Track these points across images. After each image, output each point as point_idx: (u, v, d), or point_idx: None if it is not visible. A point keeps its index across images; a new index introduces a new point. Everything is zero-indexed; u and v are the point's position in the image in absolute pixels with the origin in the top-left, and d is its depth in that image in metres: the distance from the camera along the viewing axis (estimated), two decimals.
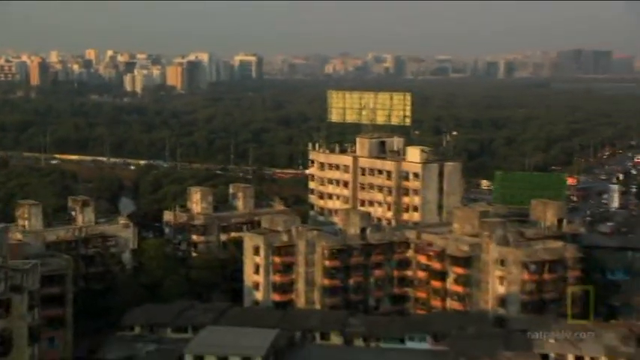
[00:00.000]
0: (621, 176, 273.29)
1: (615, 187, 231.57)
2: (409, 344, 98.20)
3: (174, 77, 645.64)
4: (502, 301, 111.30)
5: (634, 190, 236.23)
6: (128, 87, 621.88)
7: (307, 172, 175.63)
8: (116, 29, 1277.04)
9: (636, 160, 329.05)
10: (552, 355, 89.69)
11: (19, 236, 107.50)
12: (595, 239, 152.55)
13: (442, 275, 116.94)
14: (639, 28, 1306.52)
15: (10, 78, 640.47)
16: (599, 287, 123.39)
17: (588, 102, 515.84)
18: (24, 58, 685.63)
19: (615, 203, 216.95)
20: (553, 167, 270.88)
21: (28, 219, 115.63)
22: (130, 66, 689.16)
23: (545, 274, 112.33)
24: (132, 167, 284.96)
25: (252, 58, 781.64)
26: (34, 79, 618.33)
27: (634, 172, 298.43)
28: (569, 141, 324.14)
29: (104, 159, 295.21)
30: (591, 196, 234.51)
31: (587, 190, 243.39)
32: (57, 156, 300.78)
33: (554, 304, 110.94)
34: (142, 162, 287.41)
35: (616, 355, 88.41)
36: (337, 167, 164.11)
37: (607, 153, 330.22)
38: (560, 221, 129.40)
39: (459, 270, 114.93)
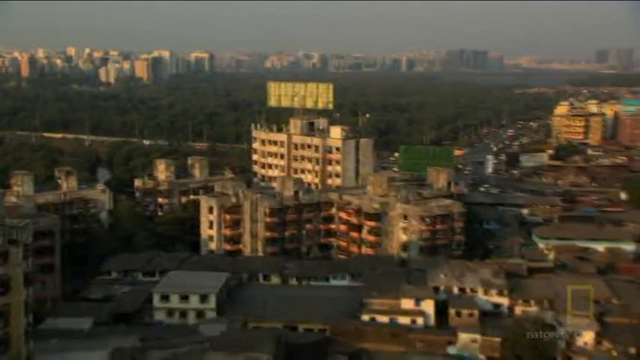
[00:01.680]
0: (495, 148, 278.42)
1: (490, 156, 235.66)
2: (333, 282, 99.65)
3: (141, 70, 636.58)
4: (404, 246, 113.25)
5: (504, 158, 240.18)
6: (103, 78, 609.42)
7: (251, 146, 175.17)
8: (93, 29, 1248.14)
9: (509, 133, 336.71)
10: (442, 287, 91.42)
11: (14, 200, 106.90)
12: (475, 197, 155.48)
13: (358, 228, 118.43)
14: (509, 33, 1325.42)
15: (3, 71, 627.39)
16: (478, 234, 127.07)
17: (469, 91, 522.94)
18: (15, 54, 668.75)
19: (490, 169, 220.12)
20: (444, 142, 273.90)
21: (22, 186, 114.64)
22: (104, 61, 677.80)
23: (438, 225, 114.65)
24: (105, 143, 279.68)
25: (205, 55, 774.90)
26: (24, 72, 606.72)
27: (507, 142, 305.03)
28: (456, 121, 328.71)
29: (84, 137, 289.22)
30: (474, 164, 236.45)
31: (469, 159, 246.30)
32: (44, 134, 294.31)
33: (444, 248, 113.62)
34: (115, 139, 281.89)
35: (489, 286, 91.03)
36: (275, 143, 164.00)
37: (484, 131, 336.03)
38: (449, 184, 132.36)
39: (371, 223, 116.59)
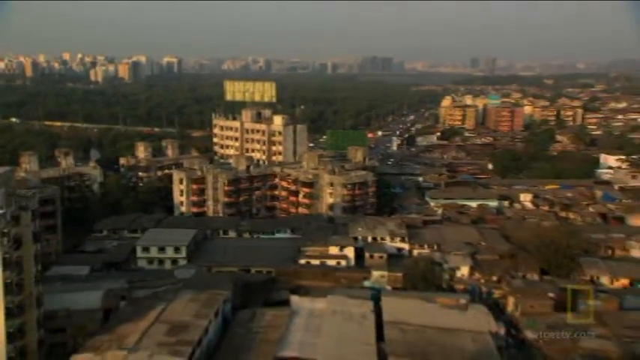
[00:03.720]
0: (398, 132, 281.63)
1: (394, 138, 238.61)
2: (277, 235, 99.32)
3: (123, 71, 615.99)
4: (331, 207, 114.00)
5: (405, 139, 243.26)
6: (93, 78, 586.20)
7: (212, 131, 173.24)
8: (84, 38, 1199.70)
9: (411, 118, 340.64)
10: (359, 237, 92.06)
11: (22, 174, 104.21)
12: (383, 169, 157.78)
13: (296, 193, 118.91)
14: (407, 42, 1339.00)
15: (11, 72, 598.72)
16: (386, 197, 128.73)
17: (379, 88, 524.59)
18: (20, 58, 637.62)
19: (394, 147, 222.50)
20: (360, 127, 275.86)
21: (28, 164, 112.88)
22: (93, 64, 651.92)
23: (356, 190, 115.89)
24: (95, 130, 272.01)
25: (175, 59, 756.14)
26: (28, 73, 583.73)
27: (407, 127, 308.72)
28: (369, 111, 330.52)
29: (79, 124, 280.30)
30: (382, 143, 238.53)
31: (379, 140, 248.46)
32: (46, 123, 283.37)
33: (361, 208, 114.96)
34: (103, 126, 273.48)
35: (394, 235, 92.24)
36: (231, 129, 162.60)
37: (390, 118, 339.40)
38: (364, 159, 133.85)
39: (306, 189, 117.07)
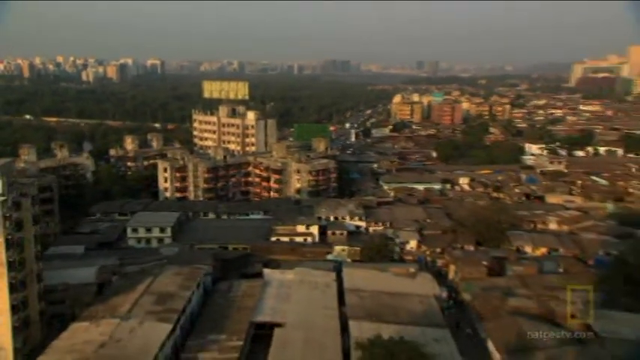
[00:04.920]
0: (356, 125, 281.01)
1: (352, 130, 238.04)
2: (251, 216, 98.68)
3: (112, 73, 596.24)
4: (298, 191, 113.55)
5: (361, 131, 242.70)
6: (84, 78, 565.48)
7: (192, 125, 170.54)
8: (77, 41, 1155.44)
9: (367, 113, 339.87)
10: (323, 217, 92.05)
11: (22, 165, 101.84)
12: (344, 157, 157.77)
13: (267, 179, 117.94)
14: (364, 47, 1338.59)
15: (10, 73, 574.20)
16: (346, 181, 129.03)
17: (339, 87, 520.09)
18: (18, 60, 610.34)
19: (353, 139, 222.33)
20: (323, 121, 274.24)
21: (28, 155, 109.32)
22: (84, 66, 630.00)
23: (320, 176, 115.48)
24: (86, 124, 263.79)
25: (158, 62, 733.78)
26: (25, 74, 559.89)
27: (363, 120, 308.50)
28: (331, 107, 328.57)
29: (72, 120, 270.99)
30: (342, 135, 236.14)
31: (339, 132, 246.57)
32: (42, 118, 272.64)
33: (324, 191, 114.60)
34: (94, 121, 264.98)
35: (353, 215, 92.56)
36: (209, 123, 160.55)
37: (349, 114, 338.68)
38: (326, 149, 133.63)
39: (276, 176, 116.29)
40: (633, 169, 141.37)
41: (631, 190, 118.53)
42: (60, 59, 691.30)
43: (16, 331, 50.09)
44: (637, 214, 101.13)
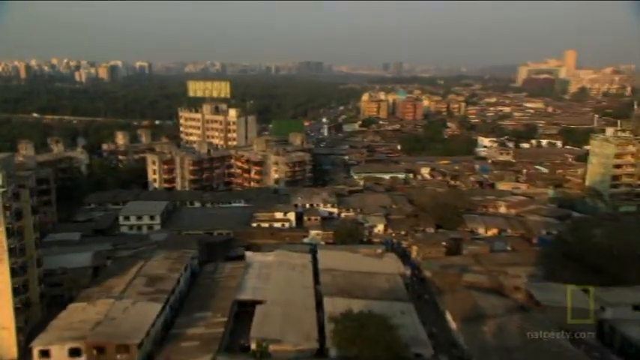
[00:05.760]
0: (328, 120, 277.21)
1: (325, 125, 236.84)
2: (234, 204, 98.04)
3: (103, 73, 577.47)
4: (276, 181, 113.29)
5: (333, 126, 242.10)
6: (77, 79, 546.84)
7: (179, 122, 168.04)
8: (70, 44, 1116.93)
9: (338, 110, 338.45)
10: (299, 204, 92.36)
11: (21, 159, 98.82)
12: (318, 150, 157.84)
13: (248, 171, 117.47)
14: (335, 50, 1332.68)
15: (7, 74, 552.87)
16: (320, 172, 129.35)
17: (313, 87, 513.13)
18: (15, 62, 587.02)
19: (326, 133, 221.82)
20: (298, 117, 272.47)
21: (26, 150, 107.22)
22: (77, 67, 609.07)
23: (296, 167, 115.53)
24: (81, 121, 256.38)
25: (146, 63, 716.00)
26: (22, 74, 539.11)
27: (335, 116, 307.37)
28: (306, 105, 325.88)
29: (67, 117, 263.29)
30: (316, 130, 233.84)
31: (314, 127, 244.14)
32: (39, 116, 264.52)
33: (300, 181, 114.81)
34: (88, 118, 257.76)
35: (326, 202, 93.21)
36: (194, 119, 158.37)
37: (322, 110, 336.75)
38: (302, 142, 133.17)
39: (256, 168, 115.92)
40: (570, 159, 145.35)
41: (568, 177, 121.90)
42: (54, 61, 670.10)
43: (18, 311, 49.48)
44: (574, 198, 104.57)
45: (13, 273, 49.40)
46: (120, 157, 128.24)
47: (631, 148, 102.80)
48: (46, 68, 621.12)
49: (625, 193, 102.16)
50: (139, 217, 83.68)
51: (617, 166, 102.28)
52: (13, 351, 47.86)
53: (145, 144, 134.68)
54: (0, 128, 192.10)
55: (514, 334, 49.10)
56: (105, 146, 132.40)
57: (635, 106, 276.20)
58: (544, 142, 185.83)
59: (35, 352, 44.83)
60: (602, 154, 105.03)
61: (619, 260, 61.01)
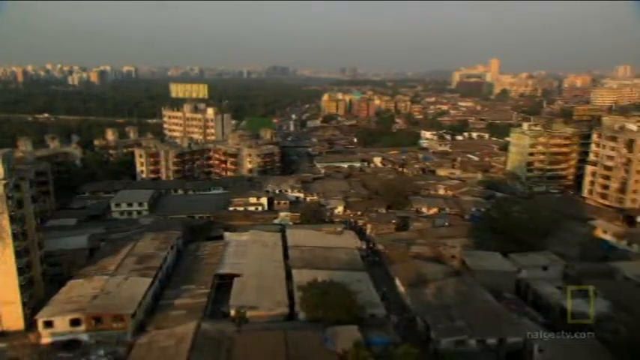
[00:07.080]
0: (294, 117, 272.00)
1: (291, 122, 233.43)
2: (213, 191, 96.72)
3: (94, 77, 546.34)
4: (250, 170, 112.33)
5: (299, 122, 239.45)
6: (70, 82, 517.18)
7: (163, 120, 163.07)
8: (63, 50, 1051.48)
9: (303, 108, 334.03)
10: (270, 190, 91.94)
11: (20, 154, 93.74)
12: (285, 143, 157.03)
13: (225, 162, 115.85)
14: (300, 54, 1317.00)
15: (6, 78, 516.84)
16: (288, 162, 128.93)
17: (280, 88, 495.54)
18: (13, 68, 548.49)
19: (292, 128, 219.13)
20: (268, 114, 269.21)
21: (25, 146, 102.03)
22: (70, 72, 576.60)
23: (267, 159, 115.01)
24: (73, 120, 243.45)
25: (132, 68, 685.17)
26: (20, 78, 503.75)
27: (300, 114, 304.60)
28: (274, 104, 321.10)
29: (62, 117, 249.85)
30: (284, 126, 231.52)
31: (281, 123, 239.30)
32: (36, 115, 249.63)
33: (271, 171, 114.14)
34: (81, 117, 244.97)
35: (293, 188, 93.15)
36: (176, 117, 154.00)
37: (288, 108, 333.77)
38: (272, 137, 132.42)
39: (232, 159, 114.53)
40: (495, 149, 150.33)
41: (493, 164, 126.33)
42: (49, 66, 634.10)
43: (22, 288, 48.47)
44: (498, 181, 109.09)
45: (18, 255, 48.29)
46: (110, 151, 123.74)
47: (542, 140, 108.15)
48: (41, 73, 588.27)
49: (538, 176, 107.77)
50: (129, 204, 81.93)
51: (531, 154, 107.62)
52: (20, 323, 47.50)
53: (132, 139, 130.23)
54: (0, 127, 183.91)
55: (451, 295, 51.38)
56: (97, 142, 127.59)
57: (545, 105, 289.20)
58: (474, 134, 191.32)
59: (40, 323, 44.44)
60: (519, 145, 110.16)
61: (532, 231, 64.70)
